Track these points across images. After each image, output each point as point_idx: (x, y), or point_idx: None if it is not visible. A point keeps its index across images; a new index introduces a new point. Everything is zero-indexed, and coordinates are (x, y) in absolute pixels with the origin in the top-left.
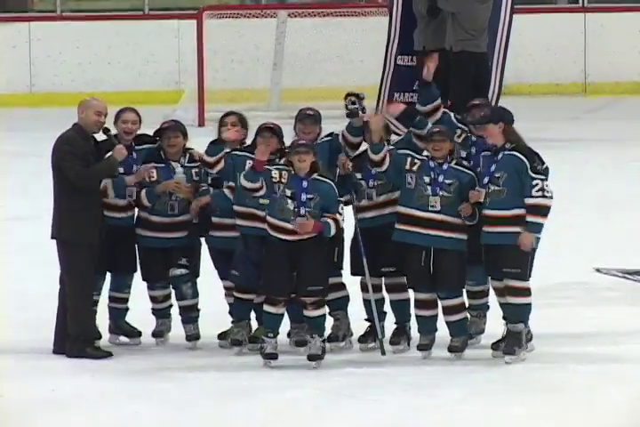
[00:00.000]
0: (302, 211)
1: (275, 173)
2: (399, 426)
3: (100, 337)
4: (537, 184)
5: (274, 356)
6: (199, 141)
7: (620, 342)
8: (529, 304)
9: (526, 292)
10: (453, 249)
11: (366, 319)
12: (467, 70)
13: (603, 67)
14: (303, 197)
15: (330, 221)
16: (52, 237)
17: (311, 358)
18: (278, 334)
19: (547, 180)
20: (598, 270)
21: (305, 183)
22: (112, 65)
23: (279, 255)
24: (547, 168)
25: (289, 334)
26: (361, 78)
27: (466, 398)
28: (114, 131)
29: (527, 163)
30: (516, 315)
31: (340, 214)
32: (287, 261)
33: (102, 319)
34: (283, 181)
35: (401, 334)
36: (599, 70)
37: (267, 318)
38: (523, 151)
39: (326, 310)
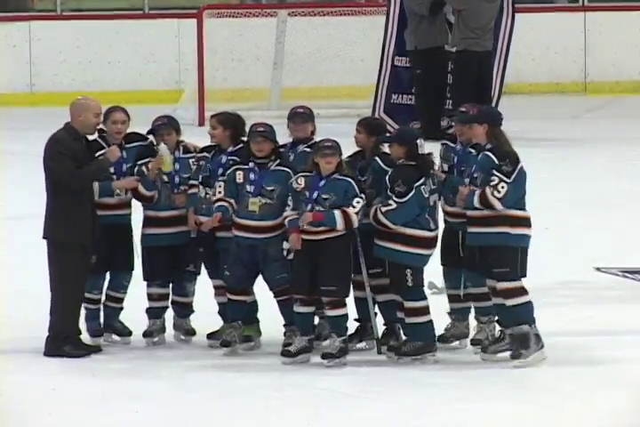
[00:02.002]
0: (308, 207)
1: (295, 185)
2: (399, 426)
3: (80, 333)
4: (493, 180)
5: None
6: (200, 141)
7: (621, 340)
8: (527, 303)
9: (519, 291)
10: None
11: (356, 319)
12: (469, 69)
13: (603, 66)
14: (315, 194)
15: (336, 212)
16: (44, 237)
17: (324, 356)
18: (310, 332)
19: (508, 183)
20: (598, 269)
21: (322, 182)
22: (112, 64)
23: (301, 254)
24: (513, 171)
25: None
26: (361, 77)
27: (465, 397)
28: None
29: (496, 162)
30: (516, 317)
31: (354, 207)
32: (309, 260)
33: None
34: (302, 186)
35: (390, 334)
36: (599, 69)
37: (295, 318)
38: (496, 152)
39: (346, 310)
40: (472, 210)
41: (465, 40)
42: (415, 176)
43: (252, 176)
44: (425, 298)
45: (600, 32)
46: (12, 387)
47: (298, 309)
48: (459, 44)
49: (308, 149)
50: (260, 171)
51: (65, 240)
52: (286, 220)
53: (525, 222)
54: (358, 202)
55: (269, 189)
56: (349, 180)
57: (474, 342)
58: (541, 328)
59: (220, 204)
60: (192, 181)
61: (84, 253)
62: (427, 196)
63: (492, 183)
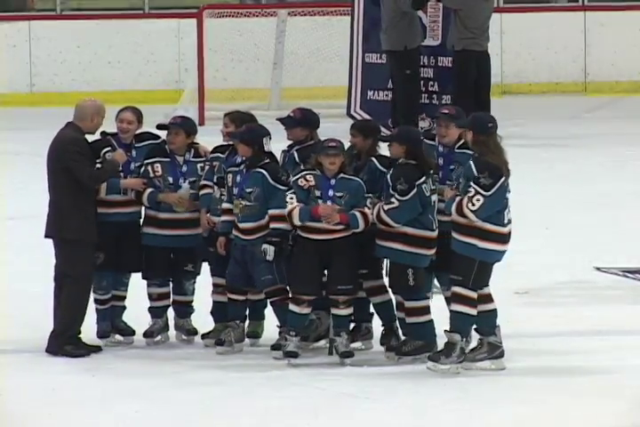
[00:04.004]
0: (328, 203)
1: (302, 182)
2: (399, 425)
3: (79, 333)
4: (470, 191)
5: (294, 354)
6: (199, 141)
7: (621, 340)
8: (471, 315)
9: (468, 301)
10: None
11: (351, 320)
12: (469, 69)
13: (603, 66)
14: (330, 192)
15: (357, 213)
16: (49, 236)
17: (345, 355)
18: (303, 333)
19: (484, 196)
20: (598, 269)
21: (332, 181)
22: (112, 64)
23: (309, 254)
24: (493, 184)
25: (281, 333)
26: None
27: (466, 397)
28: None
29: (475, 173)
30: (455, 323)
31: (369, 208)
32: (317, 261)
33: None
34: (311, 183)
35: (390, 334)
36: (599, 69)
37: (290, 318)
38: (477, 163)
39: (352, 309)
40: (453, 214)
41: (463, 40)
42: (416, 175)
43: (237, 179)
44: (426, 298)
45: (600, 32)
46: (12, 387)
47: (302, 310)
48: (457, 44)
49: (295, 153)
50: (246, 173)
51: (76, 238)
52: (295, 209)
53: (496, 237)
54: (371, 202)
55: (248, 191)
56: (359, 180)
57: None
58: (541, 328)
59: (225, 218)
60: (205, 182)
61: (92, 251)
62: (428, 194)
63: (468, 195)
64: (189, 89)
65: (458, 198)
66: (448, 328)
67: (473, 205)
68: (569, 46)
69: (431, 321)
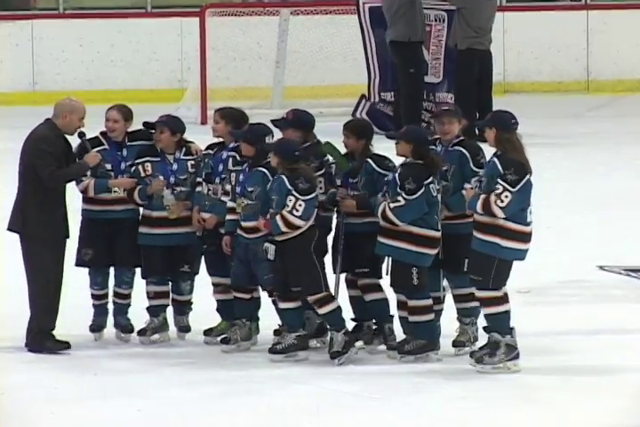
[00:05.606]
0: (270, 209)
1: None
2: (399, 425)
3: (53, 328)
4: (498, 188)
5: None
6: (202, 139)
7: (625, 339)
8: (499, 313)
9: (496, 301)
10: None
11: (352, 319)
12: (472, 68)
13: (605, 65)
14: (273, 196)
15: (277, 217)
16: (11, 230)
17: (333, 355)
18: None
19: (512, 192)
20: (601, 268)
21: (274, 184)
22: (115, 63)
23: (278, 256)
24: (519, 180)
25: (275, 332)
26: (363, 76)
27: (467, 396)
28: (89, 135)
29: (500, 170)
30: (493, 325)
31: (287, 206)
32: (280, 261)
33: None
34: None
35: (379, 334)
36: (602, 68)
37: (283, 315)
38: (502, 160)
39: (336, 304)
40: (476, 213)
41: (467, 39)
42: (425, 174)
43: (240, 177)
44: (428, 297)
45: (602, 31)
46: (13, 386)
47: (281, 305)
48: (461, 43)
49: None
50: (248, 172)
51: (38, 235)
52: None
53: (519, 237)
54: (290, 200)
55: (250, 190)
56: (282, 177)
57: (456, 344)
58: (544, 327)
59: (229, 217)
60: (199, 179)
61: (57, 248)
62: (435, 194)
63: (496, 191)
64: (192, 88)
65: (483, 196)
66: (486, 328)
67: (502, 201)
68: (571, 45)
69: (433, 320)
